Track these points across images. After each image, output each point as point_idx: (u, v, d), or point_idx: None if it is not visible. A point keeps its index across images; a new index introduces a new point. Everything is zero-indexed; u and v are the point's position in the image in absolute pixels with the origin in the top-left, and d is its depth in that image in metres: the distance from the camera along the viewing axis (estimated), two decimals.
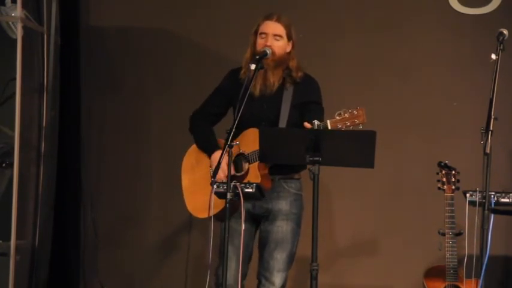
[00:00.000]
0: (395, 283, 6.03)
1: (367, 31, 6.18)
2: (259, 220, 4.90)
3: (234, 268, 4.68)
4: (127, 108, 6.45)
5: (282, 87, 4.86)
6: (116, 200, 6.44)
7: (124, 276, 6.40)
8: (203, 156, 4.92)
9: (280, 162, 4.72)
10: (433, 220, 5.49)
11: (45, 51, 6.08)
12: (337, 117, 4.52)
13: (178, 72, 6.40)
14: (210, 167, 4.86)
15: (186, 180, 4.98)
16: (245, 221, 4.56)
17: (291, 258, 4.86)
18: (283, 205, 4.84)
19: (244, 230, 4.52)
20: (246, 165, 4.75)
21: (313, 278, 4.38)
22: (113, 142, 6.49)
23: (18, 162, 5.63)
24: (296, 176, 4.90)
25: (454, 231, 5.14)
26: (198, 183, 4.87)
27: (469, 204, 4.41)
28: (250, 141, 4.68)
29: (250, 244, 4.87)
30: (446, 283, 5.18)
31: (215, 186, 4.48)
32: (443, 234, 5.16)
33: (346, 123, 4.50)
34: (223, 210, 4.49)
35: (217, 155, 4.72)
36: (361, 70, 6.18)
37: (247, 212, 4.62)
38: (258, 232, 4.94)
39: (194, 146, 5.00)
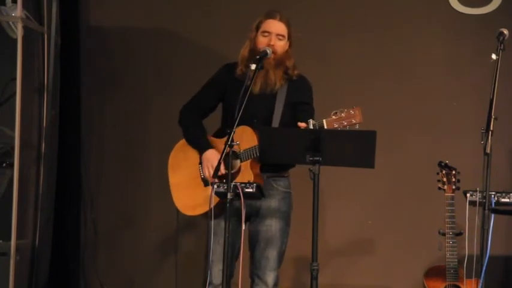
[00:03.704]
0: (395, 283, 6.02)
1: (366, 31, 6.18)
2: (247, 219, 4.84)
3: (220, 268, 4.61)
4: (127, 108, 6.45)
5: (279, 86, 4.86)
6: (116, 200, 6.44)
7: (124, 276, 6.39)
8: (191, 153, 4.90)
9: (281, 161, 4.72)
10: (433, 220, 5.50)
11: (45, 51, 6.07)
12: (334, 117, 4.51)
13: (178, 72, 6.39)
14: (200, 164, 4.84)
15: (173, 177, 4.97)
16: (234, 220, 4.53)
17: (281, 257, 4.86)
18: (272, 203, 4.83)
19: (231, 229, 4.46)
20: (237, 163, 4.73)
21: (314, 278, 4.39)
22: (113, 142, 6.48)
23: (18, 163, 5.62)
24: (284, 174, 4.90)
25: (454, 231, 5.14)
26: (186, 180, 4.87)
27: (469, 204, 4.41)
28: (242, 139, 4.63)
29: (236, 243, 4.76)
30: (447, 283, 5.18)
31: (215, 186, 4.48)
32: (444, 234, 5.16)
33: (342, 123, 4.49)
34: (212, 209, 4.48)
35: (209, 154, 4.74)
36: (361, 70, 6.17)
37: (236, 211, 4.54)
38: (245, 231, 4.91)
39: (180, 142, 4.98)
